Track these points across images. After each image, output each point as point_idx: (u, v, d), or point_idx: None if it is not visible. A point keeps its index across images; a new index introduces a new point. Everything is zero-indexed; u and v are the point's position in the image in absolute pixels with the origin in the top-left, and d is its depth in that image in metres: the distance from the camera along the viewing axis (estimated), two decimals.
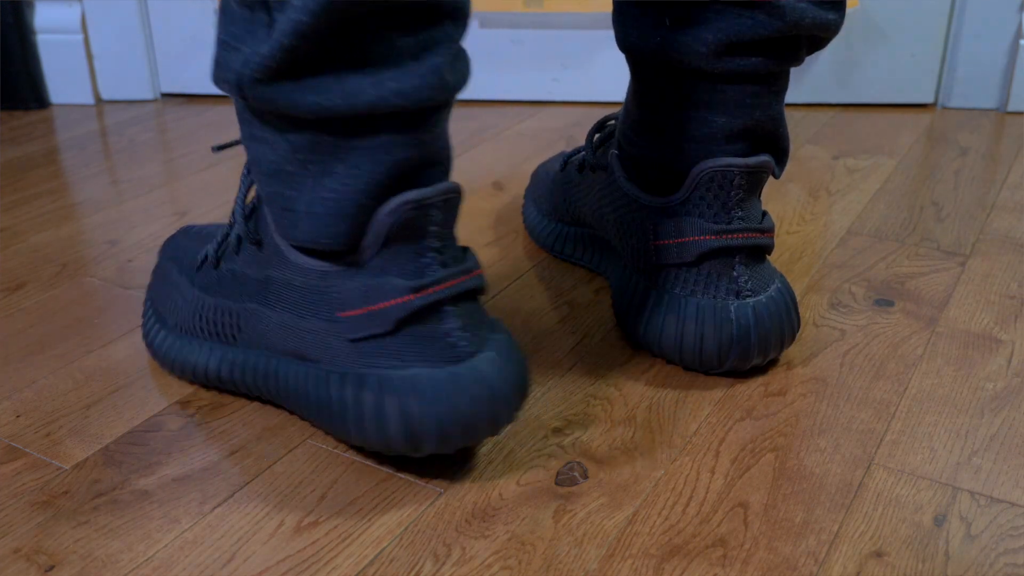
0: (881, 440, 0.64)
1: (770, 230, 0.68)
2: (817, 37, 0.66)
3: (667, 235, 0.68)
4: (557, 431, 0.65)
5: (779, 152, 0.69)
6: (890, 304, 0.79)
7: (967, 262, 0.86)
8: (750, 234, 0.67)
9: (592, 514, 0.58)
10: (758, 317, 0.67)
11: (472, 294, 0.58)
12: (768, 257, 0.70)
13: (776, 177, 0.69)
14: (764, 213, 0.69)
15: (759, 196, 0.69)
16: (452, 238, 0.58)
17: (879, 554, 0.55)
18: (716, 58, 0.64)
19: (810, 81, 1.25)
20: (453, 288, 0.56)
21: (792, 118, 1.23)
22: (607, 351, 0.73)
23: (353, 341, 0.57)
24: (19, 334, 0.77)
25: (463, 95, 1.29)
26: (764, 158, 0.67)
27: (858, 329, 0.76)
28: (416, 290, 0.55)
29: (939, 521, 0.57)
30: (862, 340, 0.74)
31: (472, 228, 0.93)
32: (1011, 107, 1.22)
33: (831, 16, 0.65)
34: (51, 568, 0.54)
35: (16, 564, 0.55)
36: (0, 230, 0.94)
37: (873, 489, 0.59)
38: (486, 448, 0.63)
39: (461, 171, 1.07)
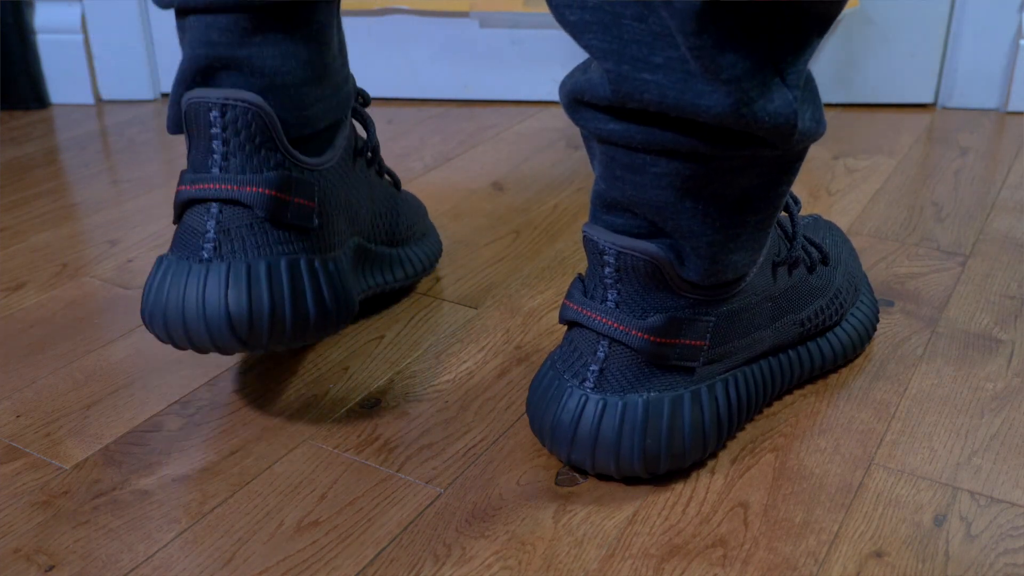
0: (881, 440, 0.64)
1: (648, 331, 0.56)
2: (708, 126, 0.51)
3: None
4: None
5: (692, 249, 0.56)
6: (890, 304, 0.79)
7: (967, 262, 0.86)
8: (615, 323, 0.57)
9: (592, 514, 0.58)
10: (583, 414, 0.58)
11: (240, 205, 0.59)
12: (676, 366, 0.58)
13: (685, 280, 0.57)
14: (667, 315, 0.57)
15: (665, 290, 0.57)
16: (247, 149, 0.59)
17: (879, 554, 0.55)
18: (571, 110, 0.56)
19: None
20: (219, 192, 0.59)
21: None
22: None
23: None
24: (19, 334, 0.77)
25: (463, 95, 1.29)
26: (642, 245, 0.55)
27: None
28: (191, 183, 0.59)
29: (939, 521, 0.57)
30: None
31: (472, 228, 0.93)
32: (1011, 107, 1.22)
33: (706, 102, 0.49)
34: (51, 568, 0.54)
35: (16, 564, 0.55)
36: (0, 230, 0.94)
37: (873, 489, 0.59)
38: (486, 448, 0.63)
39: (461, 171, 1.07)
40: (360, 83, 1.29)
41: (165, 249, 0.90)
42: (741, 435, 0.64)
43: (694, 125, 0.52)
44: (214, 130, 0.58)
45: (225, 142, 0.59)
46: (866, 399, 0.68)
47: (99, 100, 1.30)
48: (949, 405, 0.67)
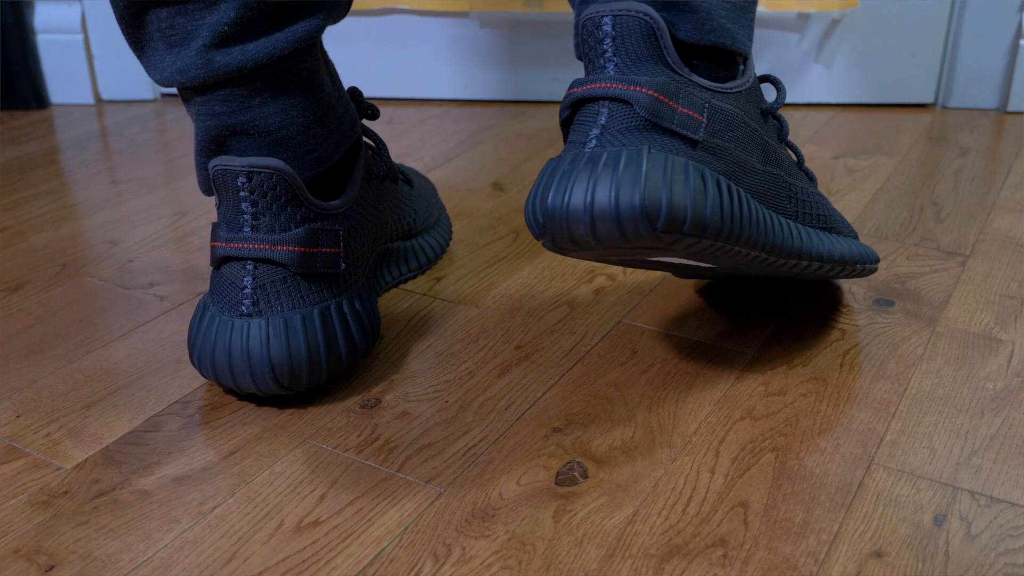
0: (881, 440, 0.64)
1: (651, 87, 0.58)
2: None
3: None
4: (557, 431, 0.65)
5: (691, 6, 0.60)
6: (890, 304, 0.79)
7: (967, 262, 0.86)
8: (617, 84, 0.58)
9: (592, 514, 0.58)
10: (578, 166, 0.58)
11: (273, 263, 0.65)
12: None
13: (688, 37, 0.60)
14: (666, 78, 0.59)
15: (661, 61, 0.59)
16: (274, 209, 0.64)
17: (879, 554, 0.55)
18: None
19: (810, 81, 1.25)
20: (252, 251, 0.64)
21: (792, 118, 1.23)
22: (607, 351, 0.73)
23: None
24: (19, 334, 0.77)
25: (463, 95, 1.29)
26: (637, 4, 0.59)
27: (858, 329, 0.76)
28: (227, 240, 0.65)
29: (939, 521, 0.57)
30: (862, 340, 0.74)
31: (472, 228, 0.93)
32: (1011, 107, 1.22)
33: None
34: (51, 568, 0.54)
35: (16, 564, 0.55)
36: (0, 230, 0.94)
37: (873, 489, 0.59)
38: (486, 448, 0.63)
39: (461, 171, 1.07)
40: (360, 83, 1.29)
41: (165, 249, 0.90)
42: (741, 435, 0.64)
43: None
44: (242, 193, 0.64)
45: (253, 203, 0.64)
46: (866, 399, 0.68)
47: (99, 100, 1.30)
48: (949, 405, 0.67)
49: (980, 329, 0.76)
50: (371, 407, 0.67)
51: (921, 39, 1.22)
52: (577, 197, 0.56)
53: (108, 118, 1.24)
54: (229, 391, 0.69)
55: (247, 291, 0.64)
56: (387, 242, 0.79)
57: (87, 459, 0.63)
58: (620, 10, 0.58)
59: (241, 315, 0.64)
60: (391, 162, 0.78)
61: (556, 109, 1.26)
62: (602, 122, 0.58)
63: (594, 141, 0.58)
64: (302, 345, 0.64)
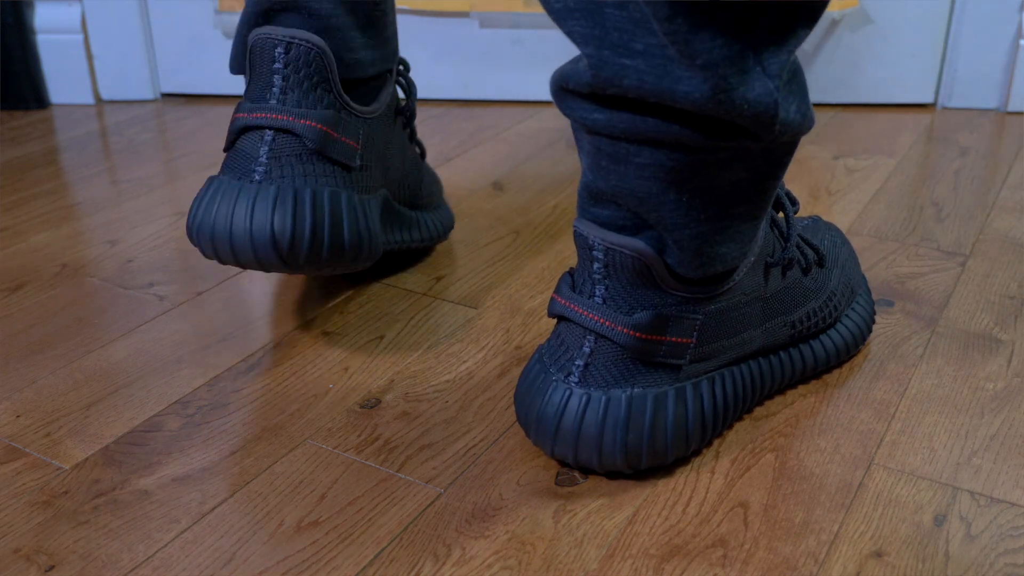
0: (881, 440, 0.64)
1: (634, 328, 0.56)
2: (690, 114, 0.51)
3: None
4: None
5: (675, 242, 0.55)
6: (890, 304, 0.79)
7: (967, 262, 0.86)
8: (601, 319, 0.57)
9: (592, 514, 0.58)
10: (566, 408, 0.58)
11: (292, 135, 0.65)
12: (657, 362, 0.58)
13: (673, 277, 0.57)
14: (654, 312, 0.57)
15: (652, 287, 0.56)
16: (304, 87, 0.65)
17: (879, 554, 0.55)
18: (558, 99, 0.55)
19: (810, 81, 1.25)
20: (274, 121, 0.64)
21: None
22: None
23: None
24: (19, 334, 0.77)
25: (463, 95, 1.29)
26: (631, 242, 0.55)
27: None
28: (249, 111, 0.65)
29: (939, 521, 0.57)
30: None
31: (472, 228, 0.93)
32: (1011, 107, 1.22)
33: (684, 88, 0.49)
34: (51, 568, 0.54)
35: (16, 564, 0.55)
36: (0, 230, 0.94)
37: (873, 489, 0.59)
38: (486, 448, 0.63)
39: (461, 171, 1.07)
40: None
41: (165, 249, 0.90)
42: (741, 435, 0.64)
43: (676, 113, 0.51)
44: (276, 65, 0.64)
45: (285, 78, 0.64)
46: (866, 399, 0.68)
47: (99, 100, 1.30)
48: (949, 405, 0.67)
49: (980, 329, 0.76)
50: (371, 407, 0.67)
51: (921, 39, 1.22)
52: (561, 444, 0.59)
53: (108, 118, 1.24)
54: (227, 263, 0.66)
55: (262, 159, 0.64)
56: (395, 196, 0.79)
57: (87, 459, 0.63)
58: (614, 244, 0.56)
59: (252, 181, 0.64)
60: (414, 108, 0.79)
61: (556, 109, 1.26)
62: (587, 352, 0.58)
63: (577, 376, 0.58)
64: (307, 216, 0.63)
